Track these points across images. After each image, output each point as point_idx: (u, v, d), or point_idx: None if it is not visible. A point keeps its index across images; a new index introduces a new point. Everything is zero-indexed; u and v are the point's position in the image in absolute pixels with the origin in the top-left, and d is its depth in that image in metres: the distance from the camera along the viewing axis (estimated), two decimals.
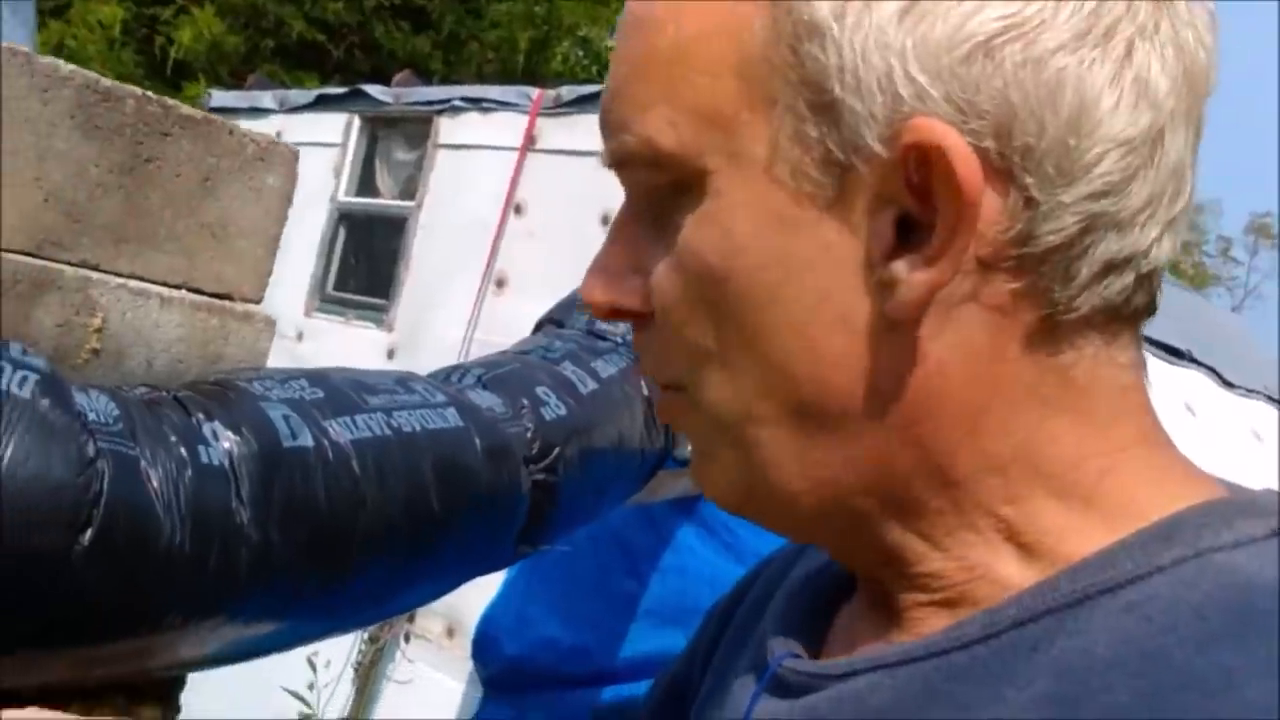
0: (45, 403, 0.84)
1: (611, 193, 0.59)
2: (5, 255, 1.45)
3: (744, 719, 0.59)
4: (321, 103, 4.97)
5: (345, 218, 5.07)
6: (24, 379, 0.89)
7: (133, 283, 1.63)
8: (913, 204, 0.48)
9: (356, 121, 4.74)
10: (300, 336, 5.45)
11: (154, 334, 1.66)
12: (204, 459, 0.92)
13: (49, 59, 1.48)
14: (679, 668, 0.82)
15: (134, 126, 1.60)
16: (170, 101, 1.73)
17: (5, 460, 0.78)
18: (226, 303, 1.66)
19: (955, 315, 0.49)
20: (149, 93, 1.55)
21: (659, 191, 0.54)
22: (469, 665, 2.69)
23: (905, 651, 0.51)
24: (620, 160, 0.55)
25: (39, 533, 0.72)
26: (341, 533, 1.02)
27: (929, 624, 0.53)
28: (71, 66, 1.51)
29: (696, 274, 0.53)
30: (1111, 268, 0.49)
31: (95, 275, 1.57)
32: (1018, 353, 0.50)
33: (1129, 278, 0.49)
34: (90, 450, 0.81)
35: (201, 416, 0.99)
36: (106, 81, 1.56)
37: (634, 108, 0.53)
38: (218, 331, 1.80)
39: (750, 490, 0.57)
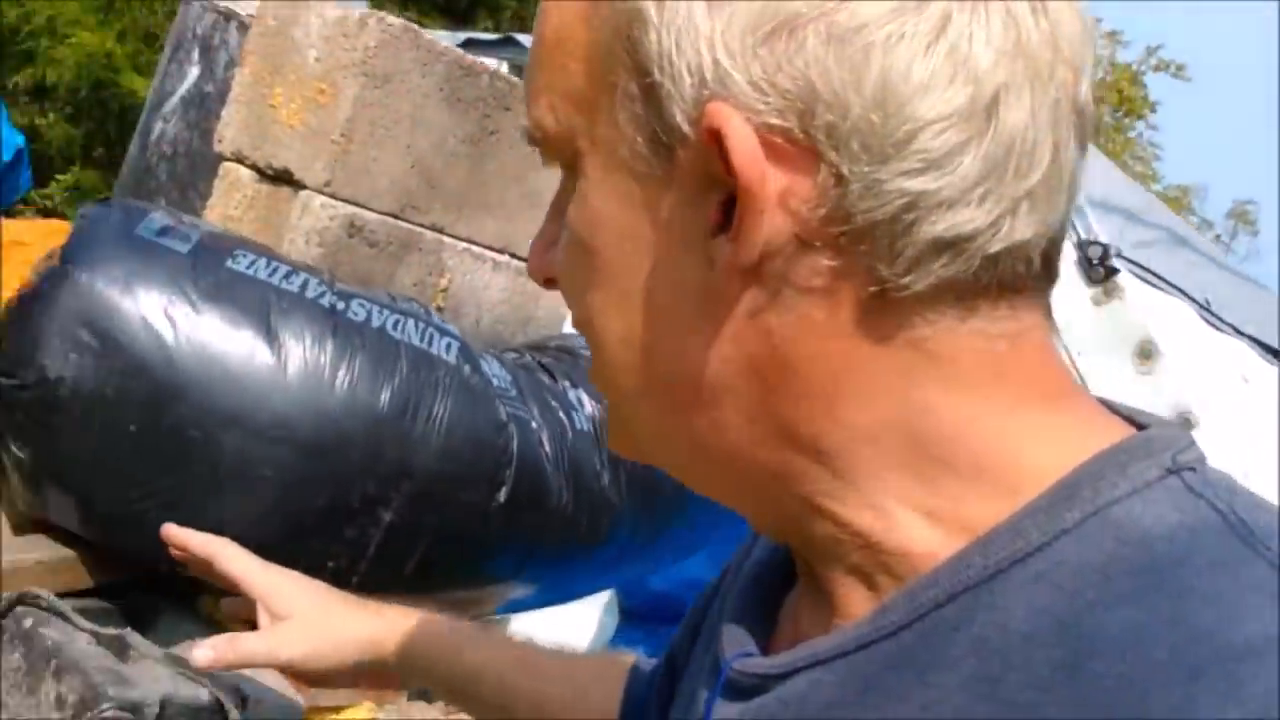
0: (467, 368, 0.97)
1: None
2: (378, 216, 1.66)
3: None
4: (470, 46, 4.85)
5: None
6: (449, 345, 1.02)
7: (473, 246, 1.83)
8: (733, 184, 0.48)
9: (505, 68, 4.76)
10: None
11: (484, 295, 1.86)
12: (577, 424, 1.04)
13: (429, 33, 1.66)
14: (676, 645, 0.83)
15: (485, 100, 1.79)
16: (515, 78, 1.92)
17: (445, 418, 0.92)
18: None
19: (784, 292, 0.50)
20: (502, 67, 1.73)
21: (563, 170, 0.58)
22: (609, 593, 2.87)
23: (837, 645, 0.52)
24: (530, 141, 0.58)
25: (468, 488, 0.85)
26: (665, 492, 1.16)
27: (854, 602, 0.54)
28: (445, 43, 1.70)
29: (573, 248, 0.56)
30: (943, 246, 0.48)
31: (445, 238, 1.76)
32: (857, 328, 0.50)
33: (971, 257, 0.48)
34: (503, 414, 0.93)
35: (566, 383, 1.09)
36: (469, 57, 1.74)
37: (531, 93, 0.57)
38: (531, 295, 2.00)
39: (636, 447, 0.60)
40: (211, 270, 1.35)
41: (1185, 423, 3.08)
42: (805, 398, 0.51)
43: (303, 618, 1.03)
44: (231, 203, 1.69)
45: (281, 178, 1.67)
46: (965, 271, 0.49)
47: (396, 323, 1.42)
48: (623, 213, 0.53)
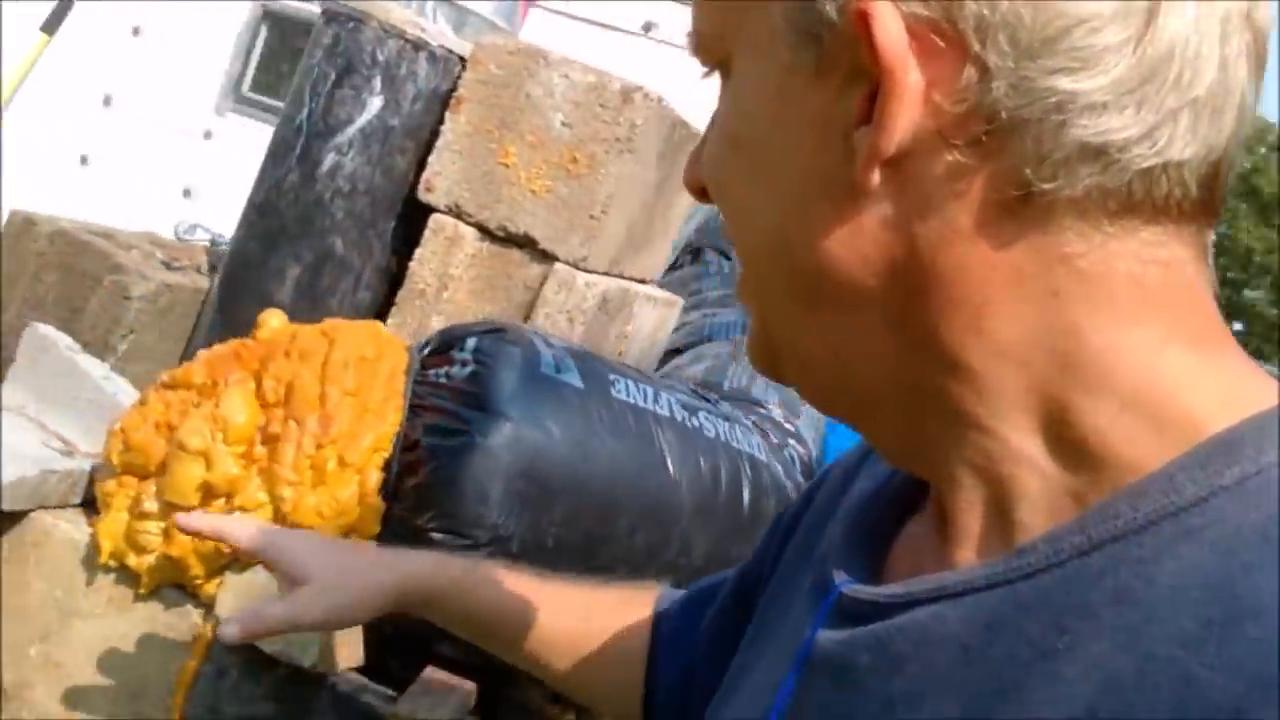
0: (769, 460, 1.16)
1: None
2: (600, 279, 1.66)
3: (806, 647, 0.58)
4: None
5: (270, 17, 4.96)
6: (752, 441, 1.19)
7: (642, 286, 1.87)
8: (877, 75, 0.48)
9: None
10: (208, 135, 5.42)
11: (657, 334, 1.91)
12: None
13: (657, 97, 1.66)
14: (750, 566, 0.84)
15: (674, 146, 1.79)
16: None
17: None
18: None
19: (928, 193, 0.49)
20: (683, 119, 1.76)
21: (720, 76, 0.58)
22: None
23: (966, 580, 0.50)
24: (692, 50, 0.59)
25: None
26: None
27: (983, 535, 0.53)
28: (670, 109, 1.69)
29: (723, 146, 0.56)
30: (1092, 153, 0.47)
31: (633, 287, 1.80)
32: (1004, 237, 0.49)
33: (1122, 168, 0.47)
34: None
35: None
36: (677, 113, 1.75)
37: (697, 2, 0.58)
38: (668, 323, 2.04)
39: (771, 354, 0.59)
40: (604, 402, 1.37)
41: None
42: (949, 307, 0.50)
43: (320, 580, 1.00)
44: (452, 261, 1.62)
45: (516, 242, 1.62)
46: (1116, 184, 0.47)
47: (729, 429, 1.50)
48: (770, 106, 0.53)
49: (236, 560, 1.34)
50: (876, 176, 0.49)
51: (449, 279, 1.62)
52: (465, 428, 1.27)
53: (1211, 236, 0.52)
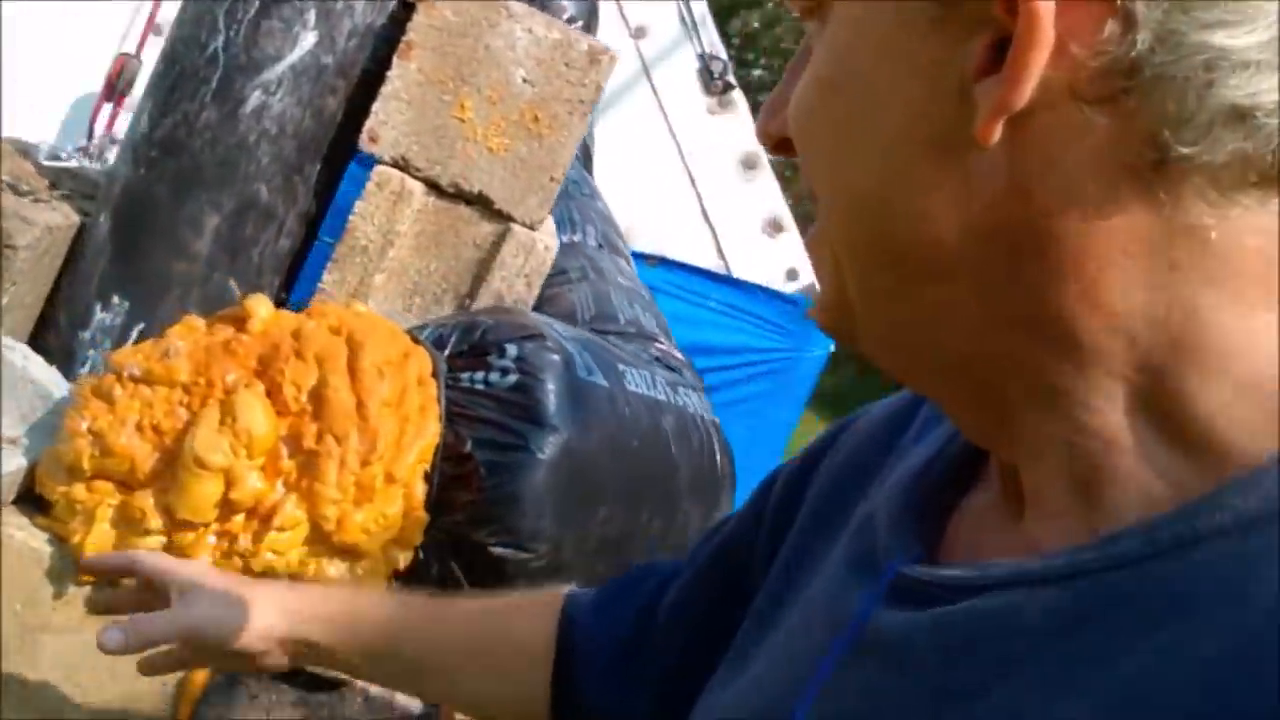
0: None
1: None
2: (550, 239, 1.62)
3: (854, 625, 0.56)
4: None
5: None
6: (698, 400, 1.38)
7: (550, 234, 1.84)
8: (1009, 23, 0.44)
9: None
10: None
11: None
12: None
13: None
14: (737, 531, 0.80)
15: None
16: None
17: None
18: None
19: (1053, 153, 0.45)
20: None
21: (808, 25, 0.56)
22: None
23: (1049, 567, 0.47)
24: None
25: None
26: None
27: (1065, 517, 0.49)
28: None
29: (816, 96, 0.53)
30: (1240, 115, 0.42)
31: (552, 239, 1.78)
32: (1132, 202, 0.45)
33: (1271, 134, 0.43)
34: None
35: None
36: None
37: None
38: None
39: (845, 315, 0.55)
40: (624, 398, 1.41)
41: (777, 227, 3.76)
42: (1060, 276, 0.47)
43: (207, 585, 0.97)
44: (398, 217, 1.53)
45: (467, 199, 1.56)
46: (1261, 152, 0.43)
47: (696, 399, 1.58)
48: (876, 53, 0.49)
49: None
50: (999, 132, 0.45)
51: (394, 235, 1.54)
52: (521, 442, 1.27)
53: None
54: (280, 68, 1.49)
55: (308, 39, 1.49)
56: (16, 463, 1.33)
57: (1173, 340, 0.46)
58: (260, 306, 1.33)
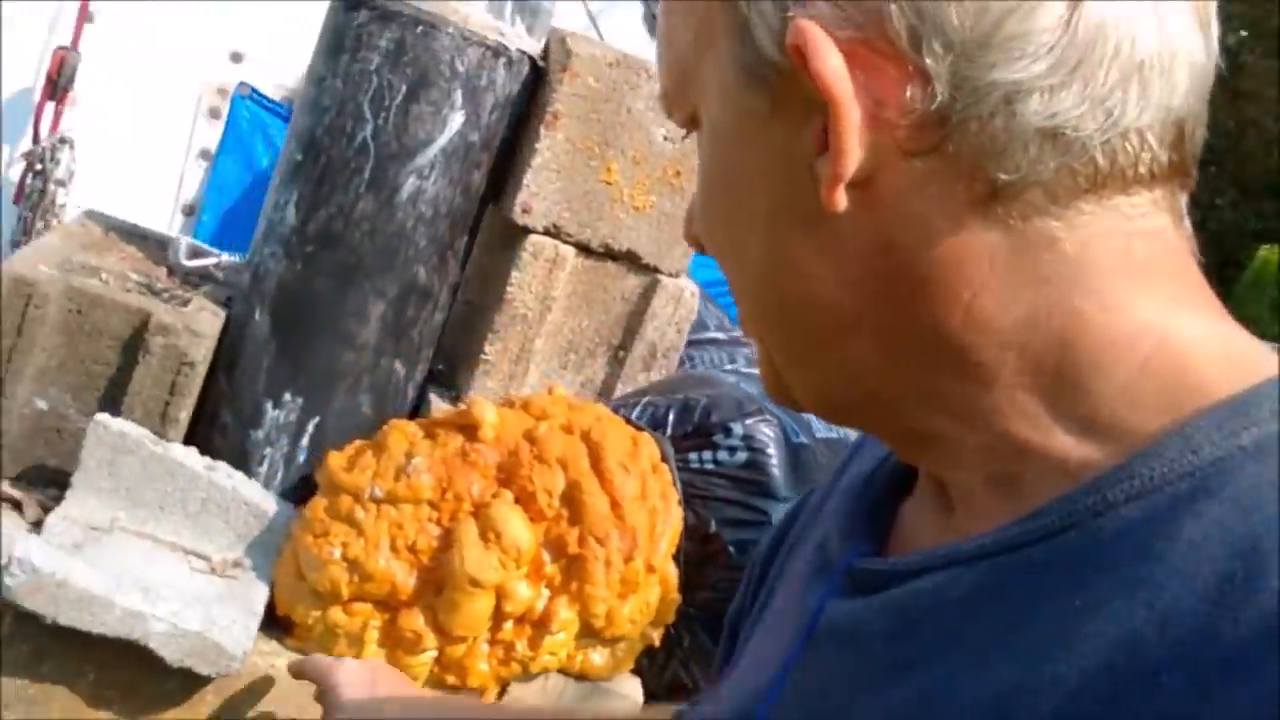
0: None
1: None
2: (692, 285, 1.66)
3: (813, 619, 0.59)
4: None
5: None
6: None
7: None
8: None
9: None
10: None
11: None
12: None
13: None
14: (735, 607, 0.84)
15: None
16: None
17: None
18: None
19: (899, 204, 0.49)
20: None
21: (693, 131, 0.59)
22: None
23: (980, 546, 0.50)
24: (664, 110, 0.61)
25: None
26: None
27: (990, 508, 0.53)
28: None
29: (701, 193, 0.59)
30: (1050, 135, 0.47)
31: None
32: (983, 231, 0.49)
33: (1084, 145, 0.47)
34: None
35: None
36: None
37: (659, 66, 0.60)
38: None
39: (779, 382, 0.60)
40: (812, 443, 1.49)
41: None
42: (941, 307, 0.50)
43: (363, 670, 1.18)
44: (554, 284, 1.56)
45: (617, 257, 1.59)
46: (1081, 162, 0.47)
47: None
48: (736, 150, 0.54)
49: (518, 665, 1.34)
50: (843, 200, 0.49)
51: (551, 300, 1.57)
52: (763, 518, 1.35)
53: (1185, 198, 0.52)
54: (432, 151, 1.48)
55: (456, 119, 1.48)
56: (260, 590, 1.35)
57: (1060, 341, 0.50)
58: (487, 412, 1.36)
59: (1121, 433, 0.49)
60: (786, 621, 0.65)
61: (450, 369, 1.66)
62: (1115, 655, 0.44)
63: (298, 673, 1.24)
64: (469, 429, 1.36)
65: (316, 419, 1.53)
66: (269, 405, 1.53)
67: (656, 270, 1.61)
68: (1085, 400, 0.50)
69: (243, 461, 1.52)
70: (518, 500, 1.32)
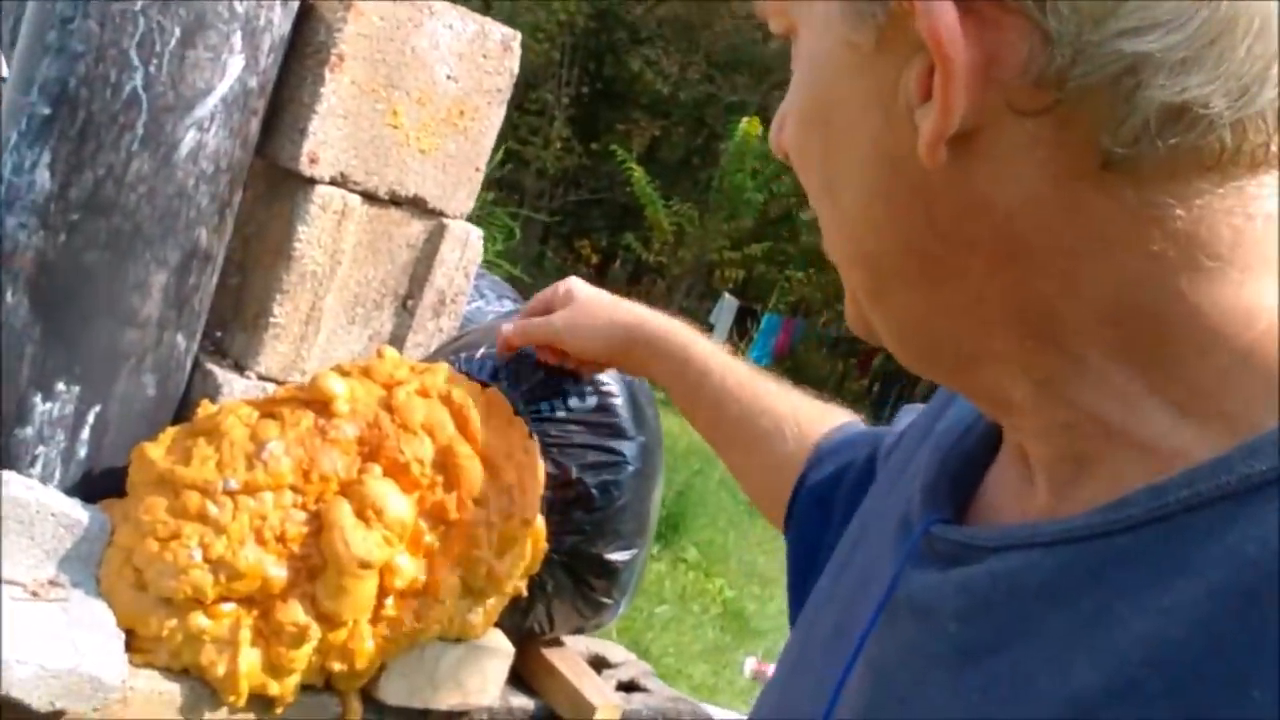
0: None
1: None
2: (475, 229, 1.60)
3: (890, 587, 0.58)
4: None
5: None
6: None
7: None
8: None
9: None
10: None
11: None
12: None
13: None
14: (828, 478, 0.92)
15: None
16: None
17: None
18: None
19: (1003, 164, 0.47)
20: None
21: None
22: None
23: (1063, 530, 0.49)
24: (760, 14, 0.60)
25: None
26: None
27: (1071, 488, 0.52)
28: None
29: (794, 122, 0.57)
30: (1174, 112, 0.44)
31: None
32: (1092, 200, 0.46)
33: (1210, 126, 0.44)
34: None
35: None
36: None
37: None
38: None
39: (865, 321, 0.59)
40: (639, 384, 1.54)
41: None
42: (1036, 276, 0.49)
43: (574, 308, 1.33)
44: (343, 236, 1.47)
45: (402, 203, 1.52)
46: (1206, 141, 0.45)
47: None
48: (836, 85, 0.52)
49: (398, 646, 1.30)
50: (943, 155, 0.48)
51: (340, 254, 1.48)
52: (619, 458, 1.39)
53: None
54: (212, 101, 1.34)
55: (236, 65, 1.34)
56: (99, 608, 1.21)
57: (1160, 319, 0.47)
58: (337, 384, 1.28)
59: (1219, 421, 0.47)
60: (869, 580, 0.64)
61: (226, 336, 1.52)
62: (1202, 662, 0.41)
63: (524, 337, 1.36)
64: (318, 404, 1.28)
65: (97, 407, 1.36)
66: (37, 398, 1.33)
67: (442, 214, 1.56)
68: (1181, 383, 0.48)
69: (10, 464, 1.32)
70: (387, 473, 1.27)
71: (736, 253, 11.43)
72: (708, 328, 10.16)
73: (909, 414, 0.86)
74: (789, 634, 0.77)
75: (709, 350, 1.20)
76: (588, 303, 1.31)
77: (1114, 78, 0.44)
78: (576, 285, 1.36)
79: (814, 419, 1.08)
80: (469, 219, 1.61)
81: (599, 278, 12.17)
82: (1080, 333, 0.49)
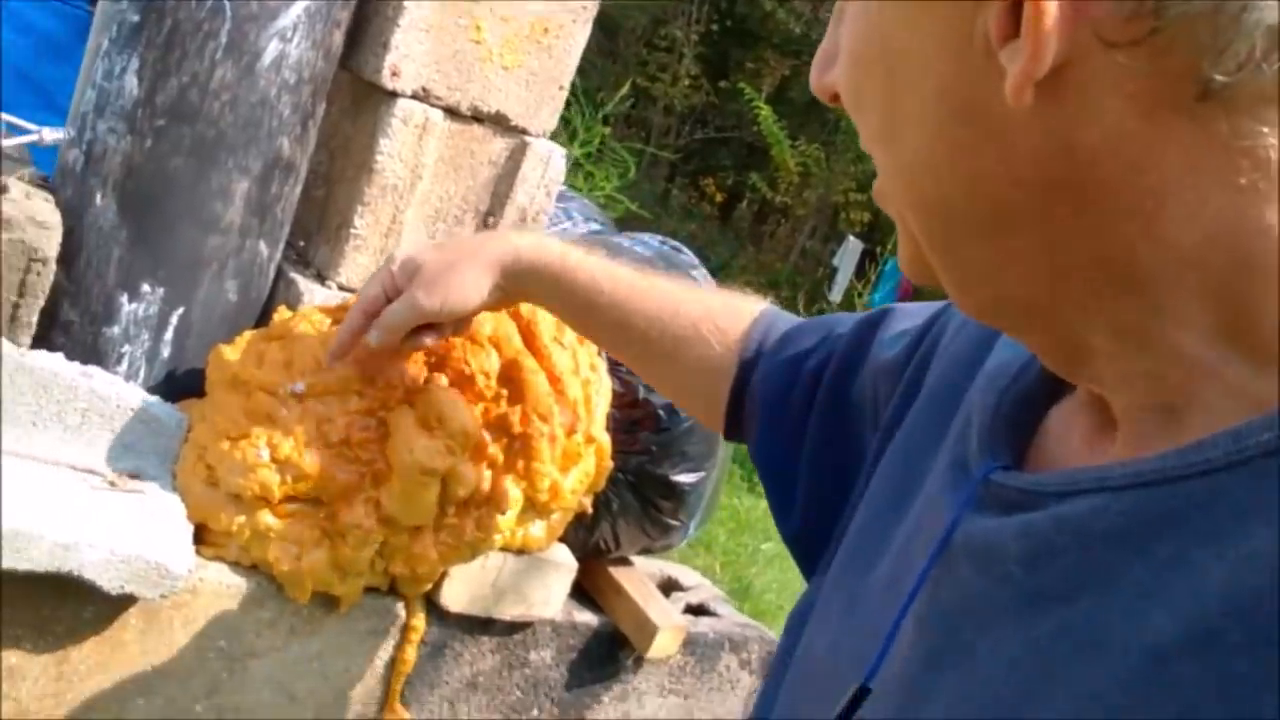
0: None
1: None
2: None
3: (948, 532, 0.56)
4: None
5: None
6: None
7: None
8: None
9: None
10: None
11: None
12: None
13: None
14: (849, 377, 0.85)
15: None
16: None
17: None
18: None
19: (1090, 103, 0.45)
20: None
21: None
22: None
23: (1135, 473, 0.47)
24: None
25: None
26: None
27: (1151, 435, 0.50)
28: None
29: (855, 63, 0.54)
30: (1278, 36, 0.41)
31: None
32: (1182, 134, 0.44)
33: None
34: None
35: None
36: None
37: None
38: None
39: (926, 269, 0.56)
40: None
41: None
42: (1119, 219, 0.46)
43: (428, 270, 1.16)
44: (425, 150, 1.48)
45: (484, 120, 1.52)
46: None
47: None
48: (904, 26, 0.49)
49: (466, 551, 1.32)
50: (1030, 96, 0.45)
51: (422, 169, 1.50)
52: None
53: None
54: (295, 11, 1.35)
55: None
56: (173, 501, 1.25)
57: (1243, 260, 0.45)
58: None
59: None
60: (920, 528, 0.62)
61: (310, 246, 1.55)
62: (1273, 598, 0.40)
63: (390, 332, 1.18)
64: None
65: (180, 310, 1.40)
66: (124, 298, 1.38)
67: (525, 132, 1.56)
68: (1263, 328, 0.46)
69: (96, 362, 1.37)
70: (453, 384, 1.28)
71: (862, 195, 11.25)
72: (830, 269, 10.04)
73: (903, 316, 0.85)
74: (838, 561, 0.74)
75: (588, 264, 1.11)
76: (437, 263, 1.15)
77: (1216, 3, 0.42)
78: (414, 253, 1.20)
79: (729, 313, 1.03)
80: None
81: (723, 217, 12.10)
82: (1162, 276, 0.47)
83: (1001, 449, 0.58)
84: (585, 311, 1.09)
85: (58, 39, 3.18)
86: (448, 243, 1.21)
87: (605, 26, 9.98)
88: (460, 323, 1.21)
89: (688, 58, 10.82)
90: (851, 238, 10.65)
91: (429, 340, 1.21)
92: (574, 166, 6.51)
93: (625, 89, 7.80)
